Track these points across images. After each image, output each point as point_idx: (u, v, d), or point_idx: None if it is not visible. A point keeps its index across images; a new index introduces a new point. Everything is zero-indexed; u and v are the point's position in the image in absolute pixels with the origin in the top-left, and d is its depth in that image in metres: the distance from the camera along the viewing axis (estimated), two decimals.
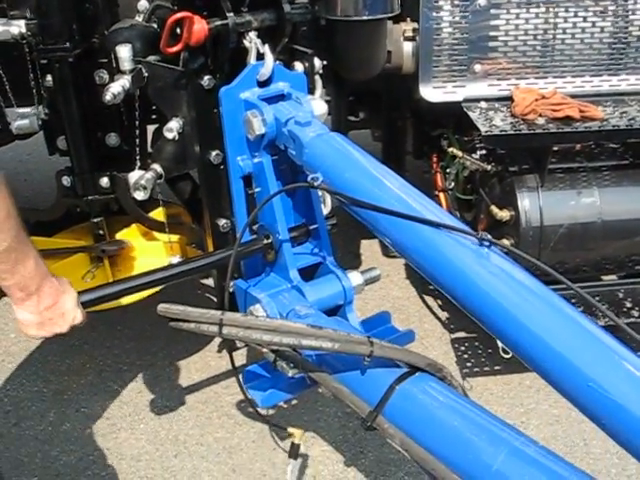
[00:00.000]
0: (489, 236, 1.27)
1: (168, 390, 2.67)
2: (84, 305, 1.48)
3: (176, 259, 2.05)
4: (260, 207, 1.64)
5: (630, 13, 2.26)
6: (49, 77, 2.11)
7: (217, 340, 2.89)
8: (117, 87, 1.78)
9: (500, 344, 2.23)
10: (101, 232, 2.26)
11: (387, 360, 1.41)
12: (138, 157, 1.98)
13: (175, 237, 2.29)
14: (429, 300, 3.06)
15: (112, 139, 2.20)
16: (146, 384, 2.70)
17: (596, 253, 2.25)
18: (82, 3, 1.99)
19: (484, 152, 2.42)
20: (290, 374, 1.57)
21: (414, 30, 2.27)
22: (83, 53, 2.04)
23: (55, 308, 1.40)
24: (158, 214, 2.30)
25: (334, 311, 1.84)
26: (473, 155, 2.38)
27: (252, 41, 1.68)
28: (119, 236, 2.32)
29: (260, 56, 1.71)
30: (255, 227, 1.89)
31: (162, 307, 1.46)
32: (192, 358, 2.83)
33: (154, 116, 2.34)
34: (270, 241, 1.82)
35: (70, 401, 2.61)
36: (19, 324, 1.43)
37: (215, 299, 3.13)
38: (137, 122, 1.96)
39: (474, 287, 1.24)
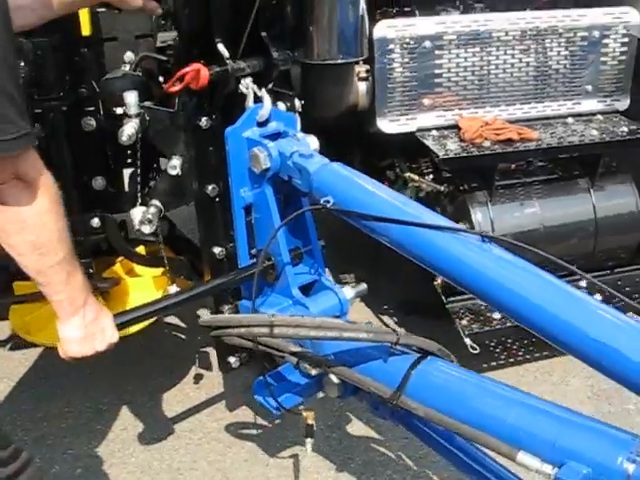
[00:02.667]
0: (490, 233, 1.51)
1: (152, 423, 2.76)
2: None
3: (174, 288, 2.20)
4: (277, 231, 1.83)
5: (548, 50, 2.65)
6: (36, 125, 2.23)
7: (192, 373, 3.01)
8: (130, 129, 1.95)
9: (468, 341, 2.52)
10: (91, 271, 2.37)
11: (407, 347, 1.63)
12: (139, 195, 2.13)
13: (159, 271, 2.45)
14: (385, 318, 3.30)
15: (98, 182, 2.34)
16: (129, 420, 2.77)
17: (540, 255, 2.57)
18: (72, 56, 2.14)
19: (432, 175, 2.71)
20: (314, 373, 1.76)
21: (367, 71, 2.55)
22: (72, 103, 2.19)
23: (97, 323, 1.52)
24: (141, 251, 2.46)
25: None
26: (424, 178, 2.66)
27: (249, 87, 1.90)
28: (106, 274, 2.45)
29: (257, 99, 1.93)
30: (254, 251, 2.08)
31: (205, 318, 1.62)
32: (170, 392, 2.92)
33: (129, 160, 2.50)
34: (272, 263, 2.01)
35: (54, 445, 2.62)
36: (63, 344, 1.53)
37: (181, 335, 3.30)
38: (137, 165, 2.11)
39: (483, 276, 1.48)
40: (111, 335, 1.58)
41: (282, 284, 2.05)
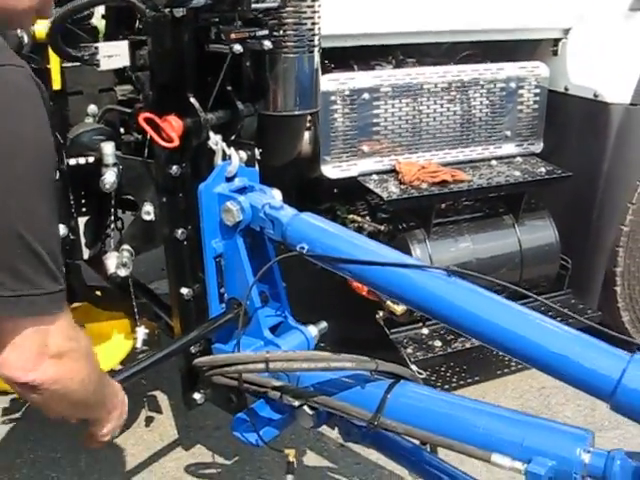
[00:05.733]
0: (455, 268, 1.70)
1: (109, 467, 2.77)
2: None
3: (142, 330, 2.28)
4: (255, 280, 1.95)
5: (472, 99, 2.93)
6: None
7: (143, 416, 3.05)
8: (111, 177, 2.04)
9: (415, 367, 2.71)
10: None
11: (385, 374, 1.80)
12: (112, 241, 2.21)
13: (120, 314, 2.51)
14: None
15: (61, 230, 2.39)
16: (85, 467, 2.77)
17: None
18: None
19: (368, 217, 2.92)
20: (296, 404, 1.89)
21: (309, 121, 2.74)
22: None
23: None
24: None
25: None
26: (366, 219, 2.87)
27: (218, 144, 2.04)
28: None
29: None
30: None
31: (202, 359, 1.72)
32: (124, 436, 2.95)
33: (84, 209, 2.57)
34: (244, 309, 2.13)
35: None
36: (101, 439, 1.55)
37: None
38: (110, 212, 2.19)
39: (452, 306, 1.66)
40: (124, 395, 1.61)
41: (253, 326, 2.16)
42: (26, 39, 1.89)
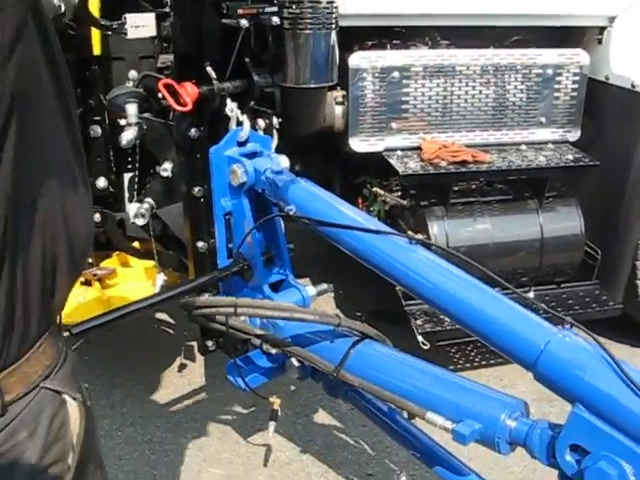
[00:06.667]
0: (416, 236, 1.82)
1: (138, 404, 3.05)
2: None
3: (161, 277, 2.52)
4: (248, 233, 2.13)
5: (506, 84, 2.97)
6: None
7: (177, 363, 3.32)
8: (129, 135, 2.27)
9: (420, 338, 2.82)
10: (90, 260, 2.69)
11: (347, 330, 1.93)
12: (135, 192, 2.45)
13: (150, 263, 2.76)
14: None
15: (101, 182, 2.66)
16: (118, 401, 3.06)
17: (489, 268, 2.86)
18: (84, 72, 2.48)
19: (399, 192, 3.03)
20: (273, 352, 2.06)
21: (343, 96, 2.87)
22: (82, 112, 2.52)
23: None
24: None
25: None
26: (392, 194, 2.98)
27: (233, 111, 2.22)
28: (103, 265, 2.77)
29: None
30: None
31: (185, 300, 1.93)
32: (156, 378, 3.21)
33: (128, 165, 2.83)
34: (247, 263, 2.32)
35: None
36: None
37: (170, 330, 3.61)
38: (135, 168, 2.43)
39: (410, 271, 1.76)
40: None
41: (255, 282, 2.34)
42: (63, 7, 2.12)
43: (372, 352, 1.92)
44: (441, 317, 2.88)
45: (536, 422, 1.58)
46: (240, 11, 2.03)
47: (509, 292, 1.67)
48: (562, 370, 1.49)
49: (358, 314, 3.65)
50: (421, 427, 2.07)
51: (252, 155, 2.28)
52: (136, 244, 2.84)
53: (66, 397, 1.11)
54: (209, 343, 2.55)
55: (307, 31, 2.28)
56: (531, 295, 2.90)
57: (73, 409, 1.12)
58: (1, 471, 1.03)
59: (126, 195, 2.77)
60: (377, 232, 1.85)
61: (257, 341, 2.11)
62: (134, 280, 2.73)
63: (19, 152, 0.95)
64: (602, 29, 3.08)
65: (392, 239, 1.83)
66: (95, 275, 2.65)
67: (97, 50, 2.40)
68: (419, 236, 2.83)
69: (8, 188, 0.94)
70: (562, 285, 3.07)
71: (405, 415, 2.07)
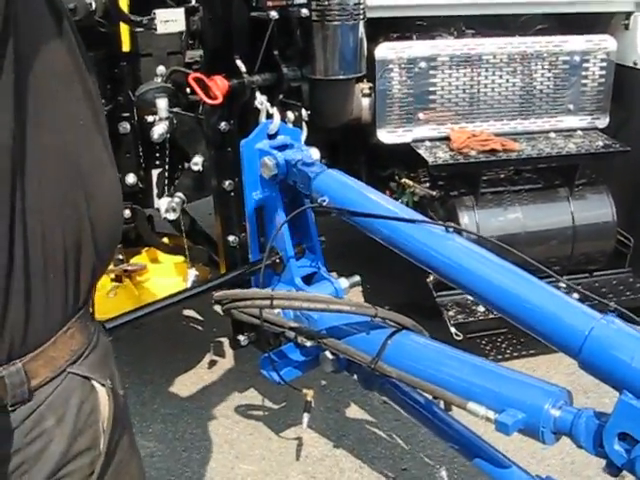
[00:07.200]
0: (452, 224, 1.80)
1: (168, 401, 3.05)
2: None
3: (193, 272, 2.52)
4: (280, 226, 2.13)
5: (533, 72, 2.94)
6: None
7: (207, 359, 3.32)
8: (160, 129, 2.27)
9: (453, 329, 2.80)
10: (120, 257, 2.69)
11: (384, 321, 1.92)
12: (166, 187, 2.45)
13: (180, 259, 2.76)
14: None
15: (130, 178, 2.67)
16: (148, 397, 3.06)
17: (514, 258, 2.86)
18: (113, 68, 2.48)
19: (428, 183, 3.01)
20: (308, 344, 2.05)
21: (370, 88, 2.86)
22: (111, 109, 2.53)
23: None
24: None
25: None
26: (422, 185, 2.96)
27: (263, 104, 2.21)
28: (134, 261, 2.77)
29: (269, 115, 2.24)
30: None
31: (219, 293, 1.92)
32: (186, 375, 3.21)
33: (157, 162, 2.83)
34: (279, 256, 2.31)
35: None
36: None
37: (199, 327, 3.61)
38: (165, 163, 2.43)
39: (447, 260, 1.75)
40: None
41: (287, 275, 2.34)
42: (94, 5, 2.13)
43: (410, 343, 1.90)
44: (473, 308, 2.86)
45: (581, 411, 1.55)
46: (269, 3, 2.02)
47: (551, 280, 1.64)
48: (608, 357, 1.46)
49: (387, 308, 3.63)
50: (459, 419, 2.07)
51: (282, 147, 2.28)
52: (165, 240, 2.85)
53: (95, 383, 1.09)
54: (241, 338, 2.55)
55: (335, 22, 2.27)
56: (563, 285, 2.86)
57: (103, 395, 1.09)
58: (28, 461, 1.01)
59: (155, 191, 2.77)
60: (412, 221, 1.83)
61: (291, 334, 2.10)
62: (165, 276, 2.73)
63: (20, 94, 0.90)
64: (629, 14, 3.04)
65: (427, 227, 1.81)
66: (126, 271, 2.65)
67: (126, 47, 2.41)
68: None
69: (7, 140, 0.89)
70: (594, 274, 3.03)
71: (442, 407, 2.07)
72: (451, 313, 2.82)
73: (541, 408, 1.58)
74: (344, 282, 2.39)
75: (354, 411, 2.97)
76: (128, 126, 2.56)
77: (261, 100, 2.24)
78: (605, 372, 1.48)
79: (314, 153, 2.25)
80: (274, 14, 2.05)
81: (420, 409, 2.11)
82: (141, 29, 2.38)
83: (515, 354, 3.21)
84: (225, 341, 3.44)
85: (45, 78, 0.96)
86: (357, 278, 2.45)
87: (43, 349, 1.00)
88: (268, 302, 1.86)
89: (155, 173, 2.79)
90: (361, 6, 2.30)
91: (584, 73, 2.98)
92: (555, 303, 1.58)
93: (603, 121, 3.08)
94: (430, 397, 2.04)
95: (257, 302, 1.88)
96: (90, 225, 1.04)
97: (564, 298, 1.58)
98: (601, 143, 2.92)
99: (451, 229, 1.79)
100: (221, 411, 2.98)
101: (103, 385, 1.09)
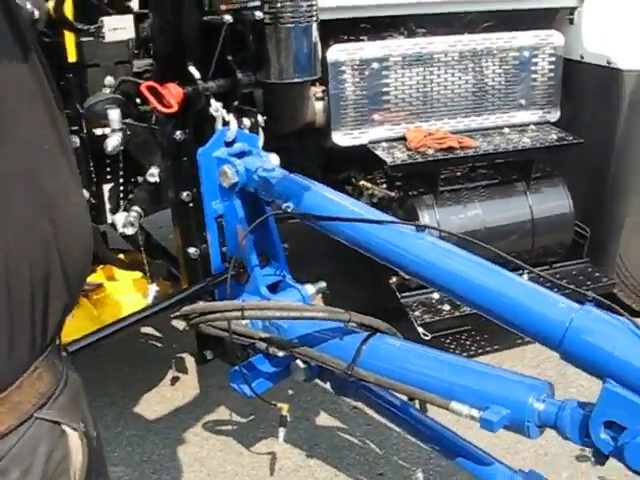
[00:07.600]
0: (421, 223, 1.78)
1: (132, 422, 2.95)
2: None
3: (153, 287, 2.44)
4: (243, 237, 2.08)
5: (484, 69, 2.96)
6: None
7: (169, 376, 3.22)
8: (114, 141, 2.19)
9: (421, 329, 2.78)
10: None
11: (358, 326, 1.88)
12: (120, 202, 2.37)
13: (138, 274, 2.68)
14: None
15: None
16: (111, 421, 2.94)
17: (482, 253, 2.86)
18: (59, 80, 2.38)
19: (385, 184, 3.00)
20: (281, 354, 2.00)
21: (323, 92, 2.83)
22: None
23: None
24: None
25: None
26: (380, 186, 2.94)
27: (218, 110, 2.16)
28: (89, 279, 2.67)
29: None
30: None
31: (185, 308, 1.85)
32: (149, 394, 3.11)
33: (109, 176, 2.74)
34: (243, 266, 2.25)
35: None
36: None
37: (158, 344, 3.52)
38: (119, 176, 2.35)
39: (418, 258, 1.73)
40: None
41: (252, 284, 2.28)
42: (37, 14, 2.04)
43: (385, 346, 1.87)
44: (438, 307, 2.86)
45: (565, 402, 1.55)
46: (223, 7, 1.97)
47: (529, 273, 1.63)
48: (589, 346, 1.46)
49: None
50: (437, 419, 2.04)
51: (241, 155, 2.22)
52: (121, 256, 2.76)
53: (65, 428, 0.99)
54: (207, 352, 2.49)
55: (289, 25, 2.23)
56: (525, 277, 2.87)
57: (74, 440, 1.00)
58: None
59: (107, 206, 2.68)
60: (380, 222, 1.81)
61: (262, 345, 2.04)
62: (124, 293, 2.64)
63: None
64: (573, 9, 3.09)
65: (396, 228, 1.79)
66: (82, 291, 2.55)
67: (72, 57, 2.31)
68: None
69: None
70: (554, 265, 3.06)
71: (418, 408, 2.04)
72: (417, 313, 2.80)
73: (525, 403, 1.56)
74: (310, 288, 2.34)
75: (324, 419, 2.93)
76: (77, 140, 2.47)
77: (217, 107, 2.19)
78: (588, 362, 1.48)
79: (273, 159, 2.21)
80: (228, 18, 2.00)
81: (397, 412, 2.08)
82: (88, 38, 2.30)
83: (480, 350, 3.22)
84: (187, 357, 3.35)
85: (7, 99, 0.89)
86: (323, 284, 2.41)
87: (7, 394, 0.91)
88: (239, 313, 1.80)
89: (107, 188, 2.70)
90: (314, 8, 2.26)
91: (534, 68, 3.02)
92: (533, 296, 1.57)
93: (554, 115, 3.12)
94: (406, 399, 2.02)
95: (228, 314, 1.82)
96: (59, 256, 0.96)
97: (541, 290, 1.57)
98: (555, 136, 2.96)
99: (421, 228, 1.77)
100: (188, 429, 2.90)
101: (75, 429, 1.01)
